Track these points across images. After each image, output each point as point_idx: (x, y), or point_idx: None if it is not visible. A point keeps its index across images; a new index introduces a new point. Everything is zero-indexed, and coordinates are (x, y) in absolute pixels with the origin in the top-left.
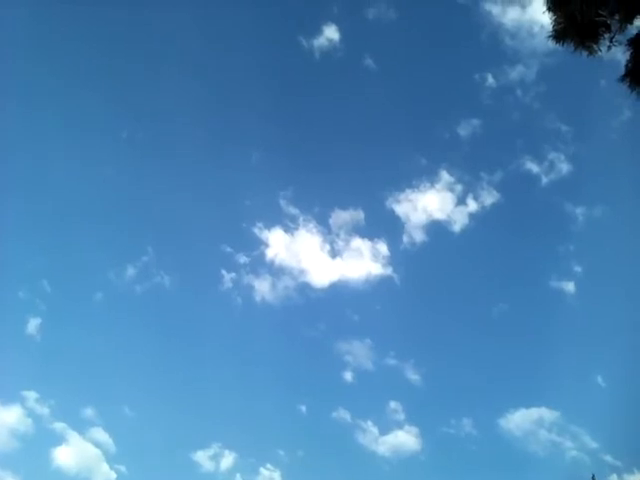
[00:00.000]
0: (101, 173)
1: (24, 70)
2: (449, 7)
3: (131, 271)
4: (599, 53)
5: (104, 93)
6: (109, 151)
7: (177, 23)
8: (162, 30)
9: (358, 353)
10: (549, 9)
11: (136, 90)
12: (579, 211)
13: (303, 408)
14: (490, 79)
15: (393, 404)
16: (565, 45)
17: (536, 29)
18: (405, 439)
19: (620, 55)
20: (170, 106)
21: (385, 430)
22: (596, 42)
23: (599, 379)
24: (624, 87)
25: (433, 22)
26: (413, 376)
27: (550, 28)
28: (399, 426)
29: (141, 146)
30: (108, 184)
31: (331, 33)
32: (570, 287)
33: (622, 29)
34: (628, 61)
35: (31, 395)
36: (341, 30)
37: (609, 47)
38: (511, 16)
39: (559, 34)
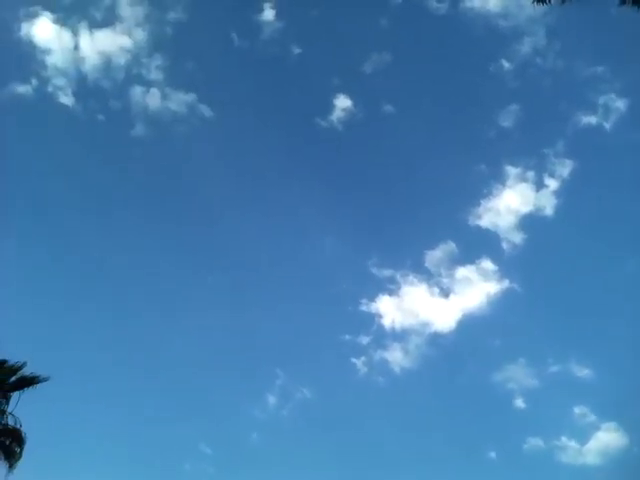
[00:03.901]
0: (195, 322)
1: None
2: (434, 21)
3: (272, 400)
4: None
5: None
6: (203, 300)
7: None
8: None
9: (518, 376)
10: None
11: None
12: None
13: (493, 454)
14: (506, 63)
15: (577, 409)
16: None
17: None
18: (608, 439)
19: None
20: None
21: (583, 439)
22: None
23: None
24: (628, 9)
25: (427, 43)
26: (582, 373)
27: None
28: (595, 428)
29: (220, 289)
30: (208, 333)
31: (342, 102)
32: None
33: None
34: None
35: None
36: (350, 95)
37: None
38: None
39: None
